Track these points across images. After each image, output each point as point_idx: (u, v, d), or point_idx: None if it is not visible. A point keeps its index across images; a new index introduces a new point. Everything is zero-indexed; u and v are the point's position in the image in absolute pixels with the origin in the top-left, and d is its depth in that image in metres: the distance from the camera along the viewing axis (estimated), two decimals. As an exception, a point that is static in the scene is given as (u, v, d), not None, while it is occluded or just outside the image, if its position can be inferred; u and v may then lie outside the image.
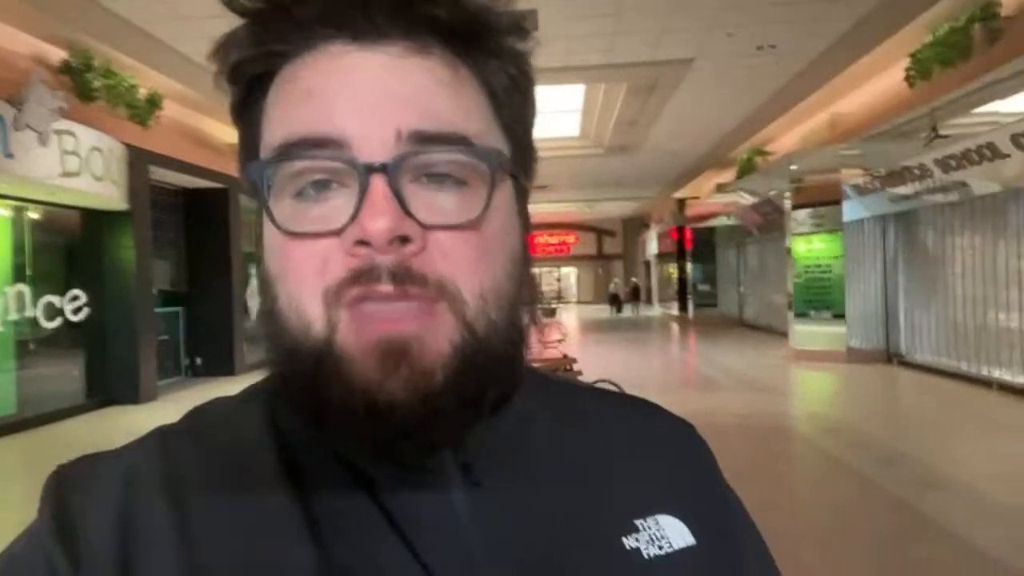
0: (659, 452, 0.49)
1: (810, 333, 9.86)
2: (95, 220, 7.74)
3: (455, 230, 0.38)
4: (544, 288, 34.53)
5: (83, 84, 7.02)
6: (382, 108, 0.37)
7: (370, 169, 0.36)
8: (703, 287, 18.60)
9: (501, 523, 0.41)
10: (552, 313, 23.32)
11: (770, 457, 5.28)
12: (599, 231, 32.69)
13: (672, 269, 20.71)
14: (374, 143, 0.36)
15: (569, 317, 23.43)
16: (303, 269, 0.37)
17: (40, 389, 7.18)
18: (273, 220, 0.38)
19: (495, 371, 0.39)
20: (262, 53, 0.39)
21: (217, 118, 9.25)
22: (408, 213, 0.36)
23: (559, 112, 11.05)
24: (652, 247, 25.45)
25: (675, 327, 18.04)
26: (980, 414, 6.47)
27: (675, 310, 20.24)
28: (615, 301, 25.39)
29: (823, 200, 9.98)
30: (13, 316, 6.73)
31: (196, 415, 0.46)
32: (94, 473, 0.40)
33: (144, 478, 0.39)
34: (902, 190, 8.32)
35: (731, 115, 10.98)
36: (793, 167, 10.18)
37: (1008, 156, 6.36)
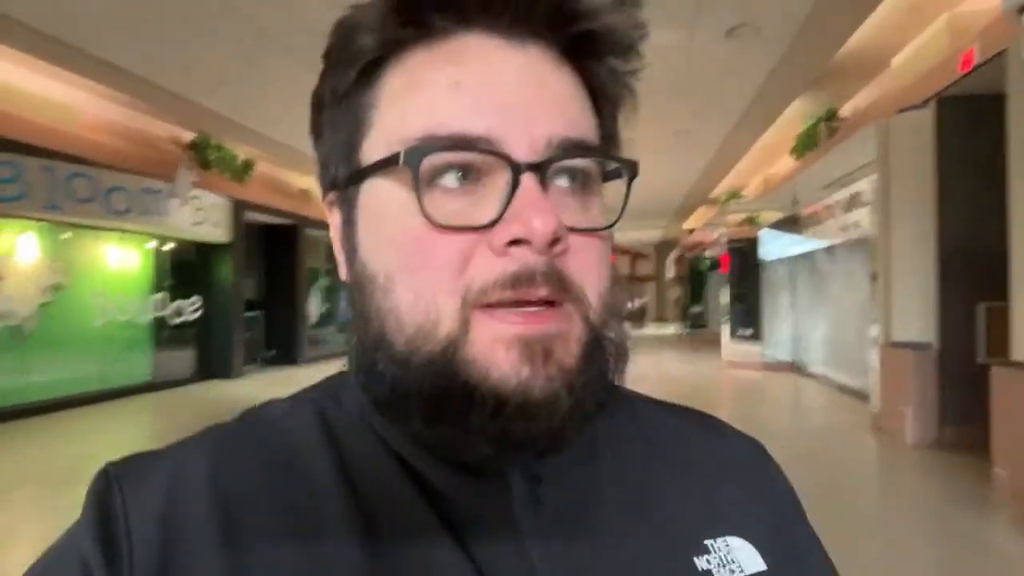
0: (731, 472, 0.48)
1: (735, 348, 12.51)
2: (207, 249, 11.16)
3: (587, 235, 0.38)
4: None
5: (204, 157, 10.42)
6: (533, 111, 0.37)
7: (524, 167, 0.35)
8: (696, 309, 21.09)
9: (564, 537, 0.40)
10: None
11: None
12: (633, 254, 35.18)
13: (678, 293, 23.29)
14: (524, 145, 0.36)
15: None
16: (441, 264, 0.36)
17: (166, 364, 10.47)
18: (423, 209, 0.36)
19: (608, 373, 0.40)
20: (395, 35, 0.38)
21: (291, 169, 12.63)
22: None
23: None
24: (670, 272, 28.01)
25: (666, 342, 20.44)
26: (801, 398, 9.05)
27: (677, 329, 22.80)
28: (630, 318, 28.14)
29: (749, 238, 12.59)
30: (157, 314, 10.17)
31: (247, 415, 0.45)
32: (141, 475, 0.39)
33: (191, 482, 0.38)
34: (791, 238, 10.91)
35: (687, 174, 13.65)
36: (733, 212, 12.86)
37: (824, 221, 8.96)
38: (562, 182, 0.38)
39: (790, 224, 10.75)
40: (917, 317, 6.18)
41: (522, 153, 0.36)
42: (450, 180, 0.37)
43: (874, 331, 6.84)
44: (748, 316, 12.46)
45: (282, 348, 13.31)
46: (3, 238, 7.72)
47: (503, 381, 0.35)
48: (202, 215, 10.12)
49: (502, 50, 0.38)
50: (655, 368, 13.00)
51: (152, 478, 0.39)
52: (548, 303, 0.36)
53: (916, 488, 5.11)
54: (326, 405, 0.44)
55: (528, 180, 0.36)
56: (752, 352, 12.23)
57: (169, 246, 10.55)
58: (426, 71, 0.38)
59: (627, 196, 0.40)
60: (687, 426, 0.52)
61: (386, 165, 0.37)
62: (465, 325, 0.35)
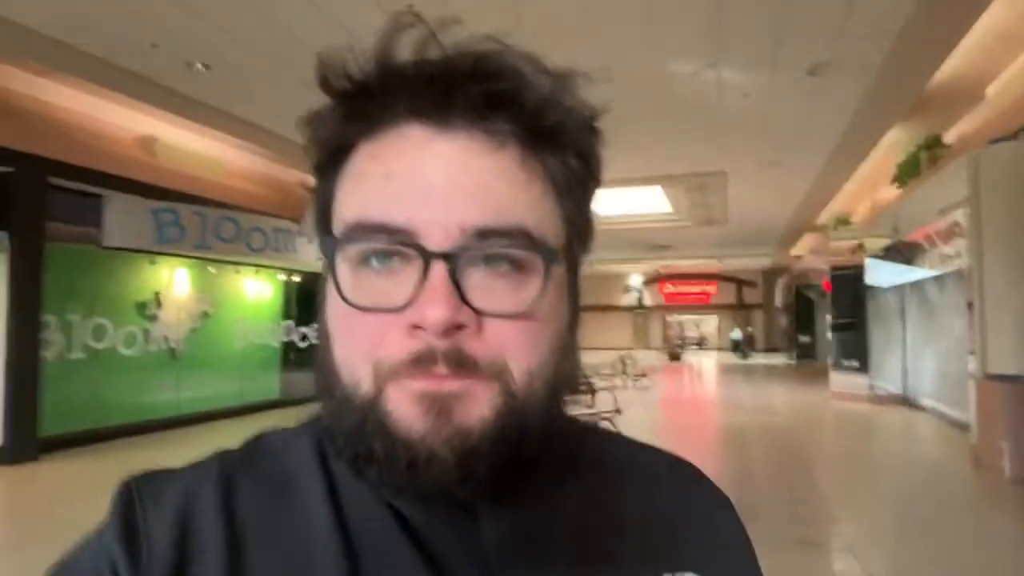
0: (696, 519, 0.51)
1: (842, 379, 12.19)
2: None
3: (508, 318, 0.40)
4: (686, 335, 36.73)
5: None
6: (449, 203, 0.40)
7: (432, 256, 0.39)
8: (804, 339, 20.38)
9: (530, 569, 0.43)
10: (677, 358, 25.90)
11: (721, 441, 8.22)
12: (739, 281, 34.32)
13: (784, 322, 22.63)
14: (439, 234, 0.39)
15: (696, 360, 25.85)
16: (361, 337, 0.41)
17: (292, 384, 11.58)
18: (339, 290, 0.41)
19: (531, 439, 0.41)
20: (346, 130, 0.44)
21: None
22: (465, 301, 0.39)
23: (651, 195, 14.21)
24: (778, 300, 27.20)
25: (773, 373, 19.91)
26: (904, 430, 8.76)
27: (787, 359, 22.10)
28: (736, 347, 27.45)
29: (854, 265, 12.29)
30: (284, 339, 11.36)
31: (253, 443, 0.50)
32: (159, 488, 0.43)
33: (202, 498, 0.43)
34: (895, 267, 10.64)
35: (786, 202, 13.51)
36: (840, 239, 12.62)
37: (929, 250, 8.74)
38: (484, 267, 0.40)
39: (894, 253, 10.50)
40: (1013, 350, 6.06)
41: (436, 242, 0.39)
42: (375, 262, 0.41)
43: (971, 363, 6.71)
44: (853, 347, 12.13)
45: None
46: (162, 273, 9.04)
47: (403, 435, 0.39)
48: (325, 250, 11.30)
49: (432, 141, 0.41)
50: (756, 399, 12.89)
51: (167, 496, 0.43)
52: (458, 379, 0.39)
53: (1010, 524, 5.03)
54: (324, 437, 0.47)
55: (436, 269, 0.39)
56: (860, 384, 11.89)
57: (296, 278, 11.78)
58: (367, 162, 0.43)
59: (544, 284, 0.41)
60: (658, 468, 0.54)
61: (327, 248, 0.43)
62: (380, 390, 0.40)
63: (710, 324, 36.65)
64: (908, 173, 9.63)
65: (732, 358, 27.00)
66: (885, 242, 11.46)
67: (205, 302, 9.74)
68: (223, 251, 9.41)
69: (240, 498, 0.43)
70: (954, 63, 6.75)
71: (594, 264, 15.75)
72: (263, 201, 10.12)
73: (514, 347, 0.40)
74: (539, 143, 0.43)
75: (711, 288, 34.63)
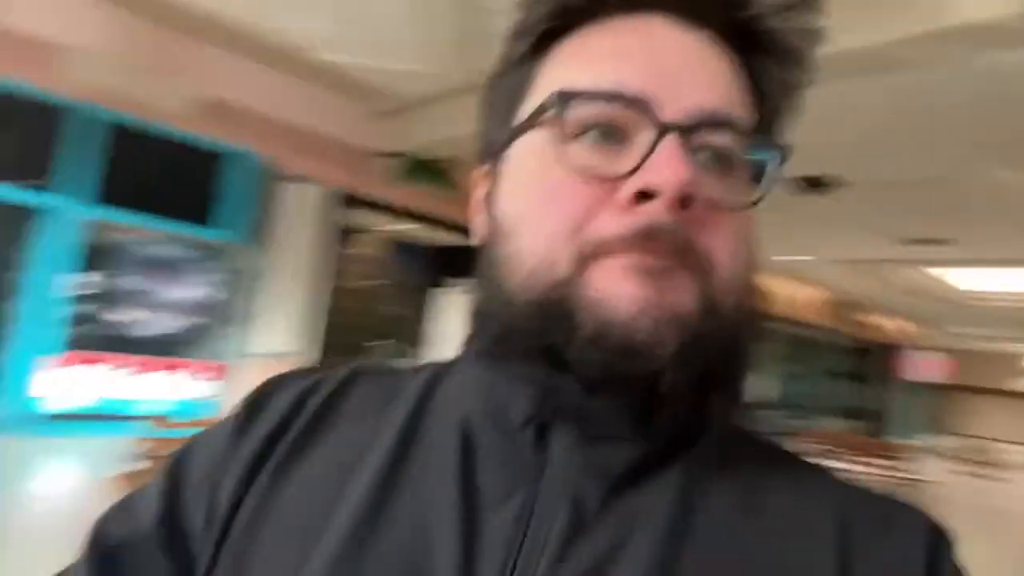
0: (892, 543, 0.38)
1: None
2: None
3: (723, 212, 0.36)
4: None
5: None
6: (689, 79, 0.37)
7: (668, 126, 0.35)
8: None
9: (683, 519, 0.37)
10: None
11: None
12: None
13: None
14: (674, 108, 0.36)
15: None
16: (566, 213, 0.36)
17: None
18: (551, 151, 0.37)
19: (726, 357, 0.37)
20: (571, 5, 0.40)
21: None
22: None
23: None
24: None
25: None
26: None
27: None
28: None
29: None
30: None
31: (394, 363, 0.51)
32: (299, 375, 0.48)
33: (324, 385, 0.46)
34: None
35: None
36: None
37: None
38: (704, 157, 0.37)
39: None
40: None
41: (671, 116, 0.36)
42: (592, 137, 0.37)
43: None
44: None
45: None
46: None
47: (613, 310, 0.34)
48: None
49: (668, 28, 0.39)
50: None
51: (299, 380, 0.47)
52: (673, 269, 0.35)
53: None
54: (446, 367, 0.47)
55: (671, 139, 0.35)
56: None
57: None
58: (593, 39, 0.39)
59: (769, 184, 0.38)
60: (857, 500, 0.40)
61: (538, 115, 0.38)
62: (581, 270, 0.35)
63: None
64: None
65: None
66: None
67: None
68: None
69: (353, 394, 0.46)
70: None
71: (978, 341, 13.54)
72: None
73: (724, 244, 0.36)
74: (756, 52, 0.40)
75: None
